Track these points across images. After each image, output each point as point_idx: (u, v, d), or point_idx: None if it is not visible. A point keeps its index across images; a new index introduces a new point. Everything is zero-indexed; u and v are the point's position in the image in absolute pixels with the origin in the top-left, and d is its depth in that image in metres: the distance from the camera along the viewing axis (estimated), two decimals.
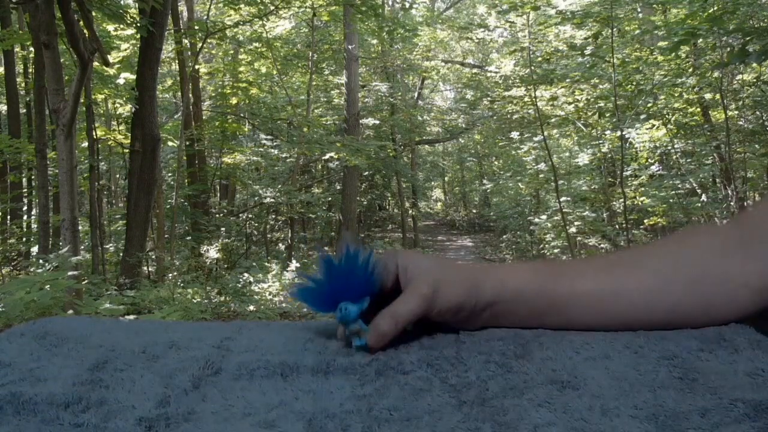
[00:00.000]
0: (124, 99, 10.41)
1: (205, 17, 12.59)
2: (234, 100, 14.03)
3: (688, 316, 0.55)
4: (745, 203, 9.65)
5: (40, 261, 6.79)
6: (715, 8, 6.67)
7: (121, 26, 9.46)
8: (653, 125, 9.84)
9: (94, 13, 7.39)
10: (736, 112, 10.02)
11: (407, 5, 15.62)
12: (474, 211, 26.54)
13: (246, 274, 9.29)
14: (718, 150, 9.60)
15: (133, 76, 9.41)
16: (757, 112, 9.67)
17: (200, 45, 11.38)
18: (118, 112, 13.18)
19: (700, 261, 0.55)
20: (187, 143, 11.99)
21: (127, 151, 10.38)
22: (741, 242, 0.55)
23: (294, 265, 10.40)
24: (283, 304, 8.51)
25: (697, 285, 0.54)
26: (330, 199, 16.42)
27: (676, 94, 9.63)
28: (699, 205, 10.17)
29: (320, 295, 0.58)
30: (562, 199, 11.40)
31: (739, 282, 0.53)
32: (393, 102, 16.92)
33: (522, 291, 0.57)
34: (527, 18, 10.48)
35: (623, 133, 9.62)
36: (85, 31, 6.49)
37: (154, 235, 10.97)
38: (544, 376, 0.50)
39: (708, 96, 9.72)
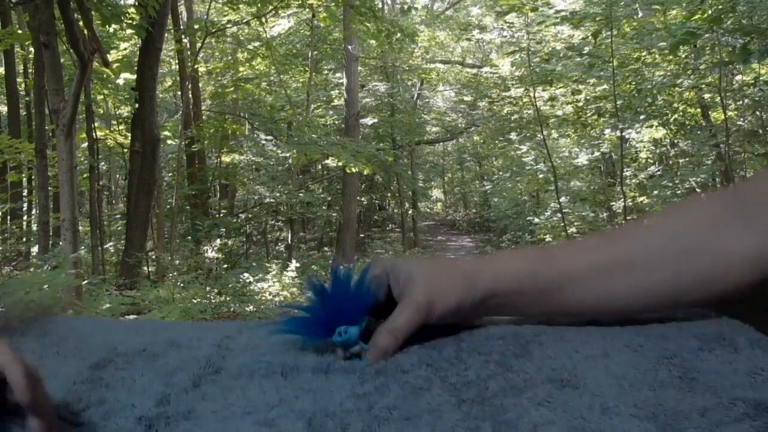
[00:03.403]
0: (124, 98, 10.41)
1: (205, 17, 12.59)
2: (233, 96, 14.03)
3: (685, 289, 0.54)
4: None
5: (39, 261, 6.79)
6: (713, 9, 6.67)
7: (121, 26, 9.45)
8: (653, 125, 9.84)
9: (93, 14, 7.38)
10: (736, 113, 10.02)
11: (406, 7, 15.60)
12: (474, 211, 26.54)
13: (246, 274, 9.28)
14: (717, 149, 9.60)
15: (133, 76, 9.41)
16: (757, 112, 9.67)
17: (199, 45, 11.38)
18: (118, 112, 13.18)
19: (694, 232, 0.54)
20: (187, 141, 11.99)
21: (127, 151, 10.38)
22: (738, 213, 0.53)
23: (294, 264, 10.39)
24: (283, 305, 8.50)
25: (692, 256, 0.53)
26: (330, 199, 16.42)
27: (675, 95, 9.63)
28: None
29: (314, 323, 0.56)
30: (562, 199, 11.41)
31: (737, 253, 0.52)
32: (393, 102, 16.92)
33: (516, 280, 0.56)
34: (526, 18, 10.48)
35: (623, 133, 9.62)
36: (85, 31, 6.49)
37: (154, 235, 10.97)
38: (543, 375, 0.50)
39: (707, 96, 9.72)
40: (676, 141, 10.87)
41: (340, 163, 11.38)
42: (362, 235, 17.82)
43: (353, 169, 11.33)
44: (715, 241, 0.53)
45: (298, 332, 0.57)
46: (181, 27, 12.80)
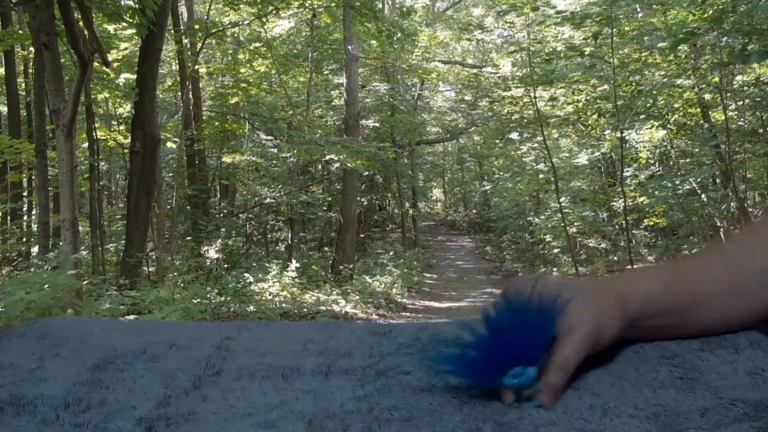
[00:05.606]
0: (125, 98, 10.41)
1: (206, 17, 12.58)
2: (234, 100, 14.03)
3: None
4: (746, 204, 9.64)
5: (39, 261, 6.79)
6: (714, 9, 6.67)
7: (121, 26, 9.45)
8: (653, 125, 9.83)
9: (93, 13, 7.38)
10: (736, 113, 10.01)
11: (405, 10, 15.63)
12: (474, 211, 26.55)
13: (246, 275, 9.28)
14: (717, 149, 9.59)
15: (133, 76, 9.41)
16: (757, 113, 9.66)
17: (200, 45, 11.37)
18: (118, 112, 13.17)
19: None
20: (188, 143, 11.99)
21: (127, 151, 10.38)
22: None
23: (294, 265, 10.39)
24: (284, 305, 8.51)
25: None
26: (330, 199, 16.42)
27: (675, 95, 9.62)
28: (699, 205, 10.18)
29: (482, 362, 0.48)
30: (562, 199, 11.41)
31: None
32: (393, 103, 16.93)
33: (653, 302, 0.54)
34: (526, 18, 10.47)
35: (623, 134, 9.62)
36: (85, 31, 6.49)
37: (154, 235, 10.96)
38: None
39: (708, 96, 9.71)
40: (676, 141, 10.87)
41: (338, 162, 11.38)
42: (362, 235, 17.82)
43: (354, 164, 11.35)
44: None
45: (463, 373, 0.49)
46: (182, 27, 12.79)
